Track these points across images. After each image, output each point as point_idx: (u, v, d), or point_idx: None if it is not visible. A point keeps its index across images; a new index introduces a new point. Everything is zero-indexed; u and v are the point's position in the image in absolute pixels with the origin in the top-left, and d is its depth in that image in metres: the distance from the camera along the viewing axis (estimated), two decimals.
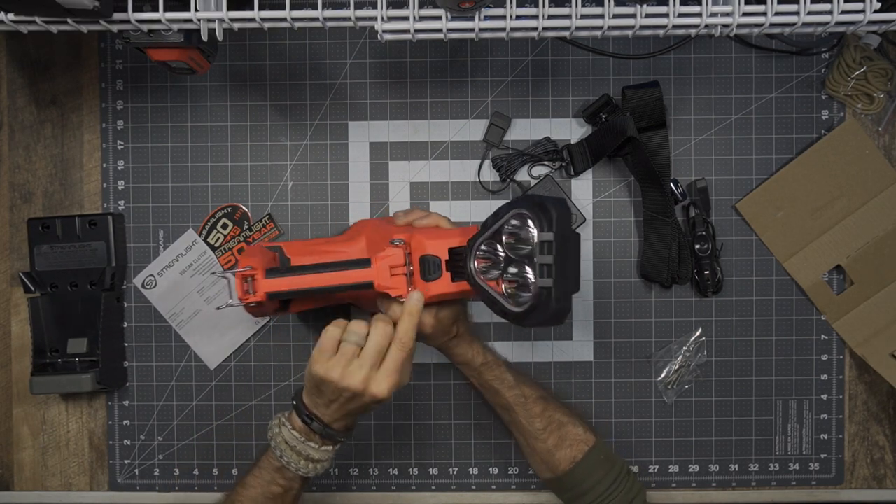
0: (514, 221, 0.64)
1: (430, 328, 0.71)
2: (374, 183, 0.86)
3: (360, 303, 0.81)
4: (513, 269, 0.65)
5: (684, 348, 0.85)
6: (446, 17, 0.60)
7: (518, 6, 0.60)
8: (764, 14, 0.59)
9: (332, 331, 0.65)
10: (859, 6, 0.58)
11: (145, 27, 0.61)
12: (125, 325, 0.87)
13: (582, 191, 0.86)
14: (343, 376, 0.63)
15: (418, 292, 0.67)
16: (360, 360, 0.63)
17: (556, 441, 0.74)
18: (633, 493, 0.74)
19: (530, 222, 0.63)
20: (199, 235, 0.86)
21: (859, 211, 0.84)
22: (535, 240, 0.62)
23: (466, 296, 0.70)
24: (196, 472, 0.87)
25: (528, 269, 0.63)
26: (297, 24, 0.60)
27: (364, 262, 0.68)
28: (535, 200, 0.63)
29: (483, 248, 0.67)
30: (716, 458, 0.87)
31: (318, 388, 0.65)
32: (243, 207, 0.86)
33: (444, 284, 0.68)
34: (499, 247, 0.66)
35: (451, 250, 0.68)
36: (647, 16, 0.59)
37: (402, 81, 0.85)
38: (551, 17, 0.60)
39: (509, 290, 0.66)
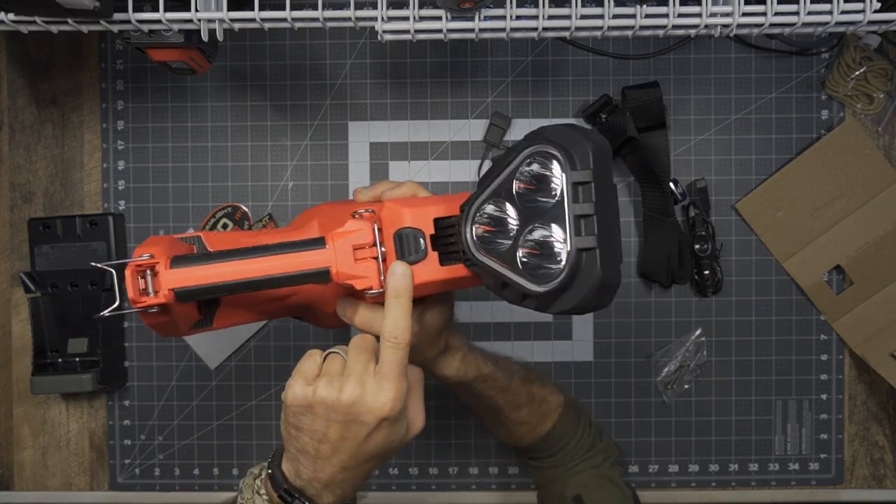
0: (530, 166, 0.47)
1: (414, 337, 0.50)
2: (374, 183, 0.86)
3: (313, 314, 0.60)
4: (534, 234, 0.47)
5: (684, 348, 0.85)
6: (446, 17, 0.60)
7: (518, 6, 0.60)
8: (764, 14, 0.59)
9: (311, 355, 0.51)
10: (859, 6, 0.58)
11: (146, 27, 0.61)
12: (126, 324, 0.87)
13: None
14: (329, 392, 0.47)
15: (402, 264, 0.49)
16: (347, 369, 0.49)
17: (538, 419, 0.69)
18: (598, 443, 0.72)
19: (555, 163, 0.46)
20: None
21: (859, 211, 0.84)
22: (565, 184, 0.45)
23: (460, 285, 0.53)
24: (196, 471, 0.87)
25: (553, 228, 0.46)
26: (298, 25, 0.60)
27: (316, 242, 0.50)
28: (561, 132, 0.46)
29: (486, 209, 0.49)
30: (715, 458, 0.87)
31: (298, 426, 0.49)
32: (244, 208, 0.86)
33: (431, 268, 0.50)
34: (508, 206, 0.48)
35: (436, 222, 0.51)
36: (647, 16, 0.59)
37: (402, 82, 0.86)
38: (551, 17, 0.60)
39: (527, 261, 0.47)
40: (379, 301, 0.51)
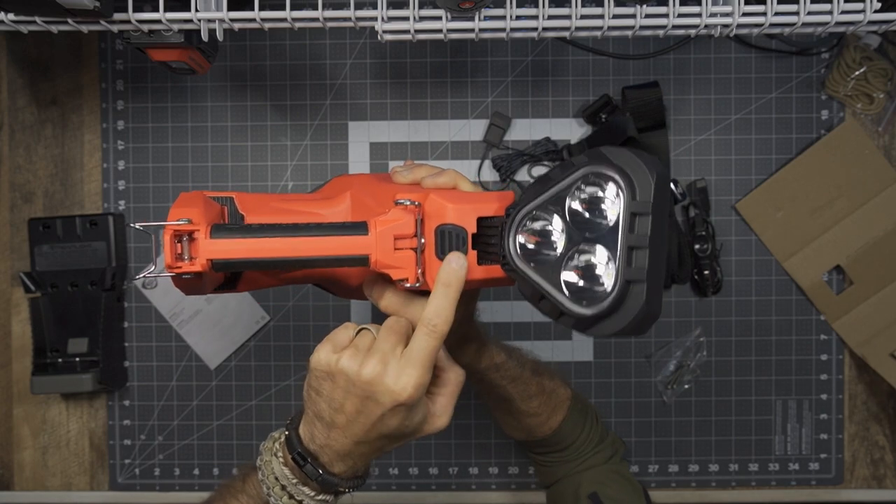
0: (588, 185, 0.46)
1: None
2: None
3: (336, 286, 0.60)
4: (582, 257, 0.46)
5: (684, 348, 0.85)
6: (446, 17, 0.60)
7: (518, 6, 0.60)
8: (764, 14, 0.59)
9: (346, 327, 0.51)
10: (859, 6, 0.58)
11: (146, 27, 0.61)
12: (126, 324, 0.87)
13: None
14: (351, 364, 0.47)
15: (460, 256, 0.49)
16: (374, 346, 0.48)
17: (548, 412, 0.69)
18: (606, 437, 0.72)
19: (615, 188, 0.45)
20: None
21: (859, 211, 0.84)
22: (622, 211, 0.44)
23: (493, 284, 0.52)
24: (196, 471, 0.87)
25: (603, 253, 0.45)
26: (298, 25, 0.60)
27: (358, 227, 0.49)
28: (625, 157, 0.45)
29: (533, 219, 0.48)
30: (715, 458, 0.87)
31: (318, 390, 0.49)
32: None
33: (470, 266, 0.50)
34: (556, 219, 0.47)
35: (480, 221, 0.50)
36: (647, 16, 0.59)
37: (402, 81, 0.86)
38: (551, 17, 0.60)
39: (570, 282, 0.46)
40: (410, 290, 0.51)
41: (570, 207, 0.47)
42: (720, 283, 0.85)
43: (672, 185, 0.83)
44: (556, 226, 0.47)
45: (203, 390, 0.87)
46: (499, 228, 0.49)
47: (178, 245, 0.48)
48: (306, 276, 0.58)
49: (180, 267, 0.47)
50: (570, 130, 0.85)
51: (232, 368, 0.87)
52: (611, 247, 0.45)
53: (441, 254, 0.49)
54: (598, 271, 0.45)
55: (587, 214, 0.46)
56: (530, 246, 0.48)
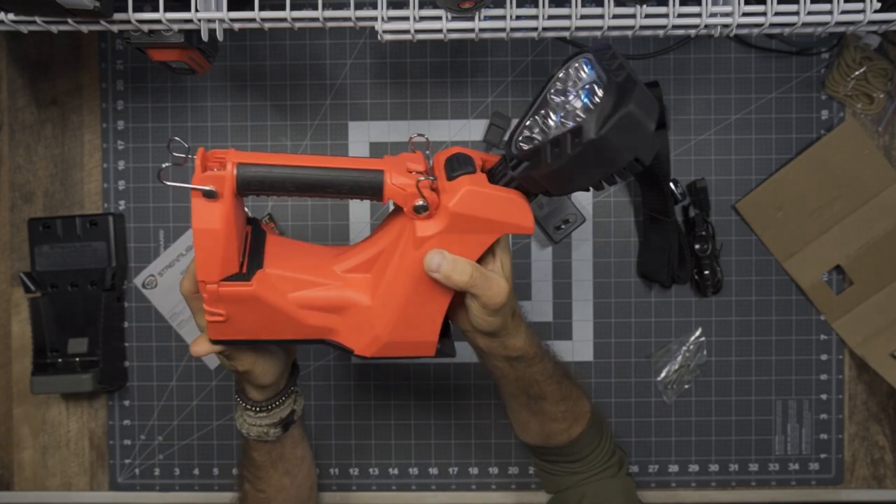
0: (563, 71, 0.52)
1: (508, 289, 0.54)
2: None
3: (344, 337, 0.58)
4: (574, 101, 0.50)
5: (684, 348, 0.85)
6: (446, 17, 0.60)
7: (518, 6, 0.60)
8: (764, 14, 0.59)
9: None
10: (859, 6, 0.58)
11: (146, 27, 0.61)
12: (126, 324, 0.87)
13: (581, 191, 0.86)
14: None
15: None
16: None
17: (571, 421, 0.69)
18: (615, 454, 0.73)
19: (581, 63, 0.51)
20: None
21: (859, 211, 0.84)
22: (597, 63, 0.49)
23: (509, 215, 0.52)
24: (196, 471, 0.87)
25: (594, 95, 0.48)
26: (298, 25, 0.60)
27: (374, 162, 0.54)
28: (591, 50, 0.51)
29: (525, 127, 0.53)
30: (715, 458, 0.87)
31: None
32: None
33: (480, 181, 0.52)
34: (548, 111, 0.52)
35: (485, 165, 0.55)
36: (647, 16, 0.59)
37: (402, 81, 0.86)
38: (551, 17, 0.60)
39: (569, 114, 0.50)
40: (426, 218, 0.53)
41: (552, 99, 0.51)
42: (720, 283, 0.85)
43: (672, 185, 0.83)
44: (551, 117, 0.51)
45: (203, 390, 0.87)
46: (501, 165, 0.53)
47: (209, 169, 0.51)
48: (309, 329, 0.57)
49: (207, 176, 0.49)
50: None
51: None
52: (598, 85, 0.49)
53: (451, 173, 0.52)
54: (595, 93, 0.49)
55: (571, 93, 0.51)
56: (535, 138, 0.52)
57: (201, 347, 0.58)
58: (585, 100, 0.49)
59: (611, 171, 0.48)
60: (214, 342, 0.56)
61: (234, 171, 0.50)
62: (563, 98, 0.51)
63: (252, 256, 0.55)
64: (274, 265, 0.55)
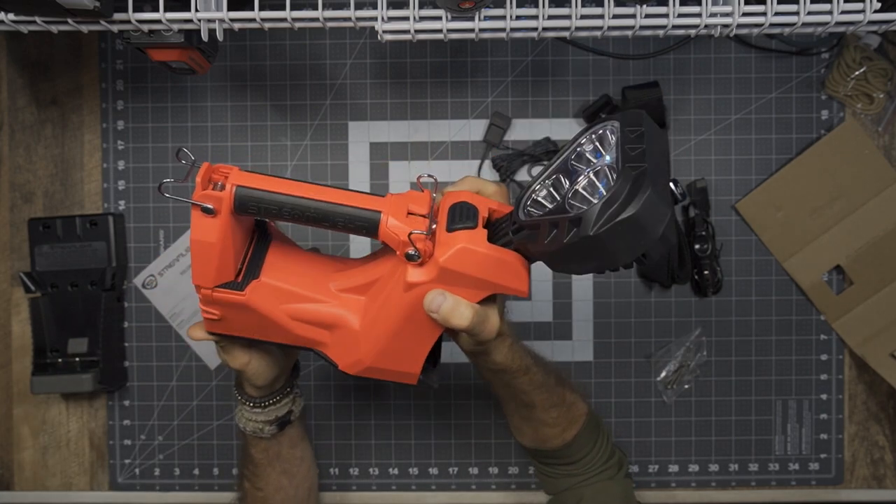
0: (589, 140, 0.50)
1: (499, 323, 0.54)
2: (374, 183, 0.86)
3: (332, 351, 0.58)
4: (583, 181, 0.49)
5: (684, 348, 0.85)
6: (446, 17, 0.60)
7: (518, 6, 0.60)
8: (764, 14, 0.59)
9: None
10: (859, 6, 0.58)
11: (146, 27, 0.61)
12: (126, 324, 0.87)
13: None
14: None
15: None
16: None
17: (565, 425, 0.69)
18: (614, 456, 0.72)
19: (611, 128, 0.49)
20: None
21: (859, 211, 0.84)
22: (618, 134, 0.48)
23: (504, 276, 0.51)
24: (196, 471, 0.87)
25: (606, 171, 0.47)
26: (298, 25, 0.60)
27: (376, 196, 0.53)
28: (611, 114, 0.51)
29: (539, 190, 0.51)
30: (715, 458, 0.87)
31: None
32: None
33: (479, 239, 0.50)
34: (562, 178, 0.51)
35: (491, 216, 0.53)
36: (647, 16, 0.59)
37: (402, 82, 0.86)
38: (551, 17, 0.60)
39: (577, 196, 0.48)
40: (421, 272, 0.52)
41: (572, 166, 0.50)
42: (720, 283, 0.85)
43: (672, 185, 0.83)
44: (564, 183, 0.50)
45: (203, 390, 0.87)
46: (507, 220, 0.51)
47: (211, 185, 0.51)
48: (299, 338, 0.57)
49: (207, 195, 0.50)
50: (571, 130, 0.85)
51: None
52: (613, 169, 0.46)
53: (451, 225, 0.51)
54: (607, 177, 0.47)
55: (590, 161, 0.49)
56: (539, 203, 0.51)
57: (197, 333, 0.60)
58: (597, 183, 0.48)
59: (608, 266, 0.46)
60: (212, 333, 0.59)
61: (232, 193, 0.51)
62: (578, 169, 0.50)
63: (252, 263, 0.56)
64: (271, 275, 0.55)
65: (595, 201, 0.44)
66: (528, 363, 0.63)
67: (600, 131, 0.49)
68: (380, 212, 0.51)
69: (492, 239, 0.51)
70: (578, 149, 0.50)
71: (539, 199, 0.51)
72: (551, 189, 0.51)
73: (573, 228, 0.44)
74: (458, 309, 0.51)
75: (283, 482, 0.71)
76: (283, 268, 0.56)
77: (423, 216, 0.51)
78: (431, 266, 0.51)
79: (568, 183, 0.50)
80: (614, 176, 0.45)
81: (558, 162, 0.51)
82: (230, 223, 0.52)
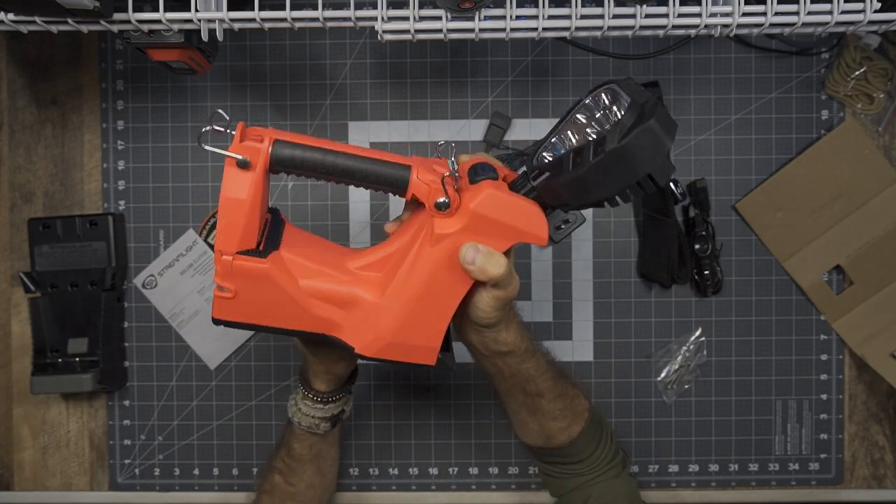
0: (590, 99, 0.54)
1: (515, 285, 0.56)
2: None
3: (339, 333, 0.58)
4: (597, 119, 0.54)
5: (684, 348, 0.86)
6: (446, 17, 0.60)
7: (518, 6, 0.60)
8: (764, 14, 0.59)
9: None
10: (859, 6, 0.58)
11: (146, 27, 0.61)
12: (126, 325, 0.87)
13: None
14: None
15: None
16: None
17: (570, 419, 0.68)
18: (618, 454, 0.72)
19: (608, 93, 0.53)
20: (200, 235, 0.86)
21: (859, 211, 0.84)
22: (622, 91, 0.52)
23: (524, 223, 0.54)
24: (196, 471, 0.87)
25: (619, 112, 0.52)
26: (298, 25, 0.60)
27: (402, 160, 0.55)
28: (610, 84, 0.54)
29: (550, 142, 0.56)
30: (715, 458, 0.87)
31: None
32: None
33: (503, 186, 0.54)
34: (570, 132, 0.55)
35: (506, 178, 0.57)
36: (647, 16, 0.59)
37: (402, 81, 0.86)
38: (551, 17, 0.60)
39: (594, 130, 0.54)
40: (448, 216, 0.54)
41: (576, 120, 0.54)
42: (720, 283, 0.85)
43: (672, 185, 0.83)
44: (571, 135, 0.54)
45: (203, 390, 0.87)
46: (525, 173, 0.55)
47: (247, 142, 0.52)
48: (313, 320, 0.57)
49: (245, 147, 0.51)
50: None
51: (232, 368, 0.87)
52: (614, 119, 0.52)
53: (474, 177, 0.54)
54: (619, 113, 0.52)
55: (594, 113, 0.54)
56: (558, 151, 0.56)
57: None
58: (611, 117, 0.53)
59: (627, 182, 0.49)
60: (218, 321, 0.57)
61: (270, 147, 0.52)
62: (588, 117, 0.54)
63: (270, 239, 0.56)
64: (290, 250, 0.56)
65: (615, 124, 0.49)
66: (533, 346, 0.64)
67: (602, 93, 0.53)
68: (409, 166, 0.53)
69: (513, 187, 0.55)
70: (584, 109, 0.54)
71: (553, 149, 0.55)
72: (564, 140, 0.55)
73: (598, 147, 0.49)
74: (493, 257, 0.53)
75: (315, 480, 0.72)
76: (300, 245, 0.57)
77: (448, 174, 0.53)
78: (461, 214, 0.53)
79: (579, 132, 0.54)
80: (625, 109, 0.50)
81: (565, 121, 0.55)
82: (262, 182, 0.52)
